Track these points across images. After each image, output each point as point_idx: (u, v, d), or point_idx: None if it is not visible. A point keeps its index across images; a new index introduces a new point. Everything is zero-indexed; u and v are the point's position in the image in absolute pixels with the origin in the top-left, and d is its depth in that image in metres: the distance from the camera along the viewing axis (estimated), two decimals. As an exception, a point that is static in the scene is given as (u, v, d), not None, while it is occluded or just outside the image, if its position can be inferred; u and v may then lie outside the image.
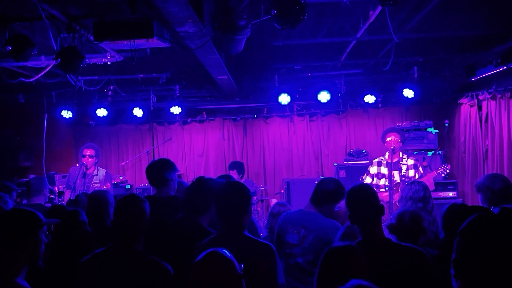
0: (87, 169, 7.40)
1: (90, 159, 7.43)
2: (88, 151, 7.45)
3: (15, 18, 4.69)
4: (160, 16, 4.42)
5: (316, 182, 4.24)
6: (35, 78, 6.17)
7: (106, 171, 7.71)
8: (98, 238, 3.42)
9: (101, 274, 2.85)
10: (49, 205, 5.86)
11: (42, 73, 5.75)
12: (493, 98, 8.12)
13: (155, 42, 4.62)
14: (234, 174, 8.70)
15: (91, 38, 4.53)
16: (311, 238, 3.87)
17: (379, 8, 4.96)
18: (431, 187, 6.43)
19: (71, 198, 7.02)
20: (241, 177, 8.95)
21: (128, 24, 4.28)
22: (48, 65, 5.59)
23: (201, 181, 3.83)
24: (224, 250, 2.33)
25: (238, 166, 9.03)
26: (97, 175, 7.53)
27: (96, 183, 7.44)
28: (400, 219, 3.53)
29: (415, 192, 4.48)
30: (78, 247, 3.22)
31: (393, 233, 3.55)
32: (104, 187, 7.28)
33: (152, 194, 4.64)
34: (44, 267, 3.14)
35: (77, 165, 7.65)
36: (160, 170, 4.37)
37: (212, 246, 2.53)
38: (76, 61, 4.62)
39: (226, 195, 3.23)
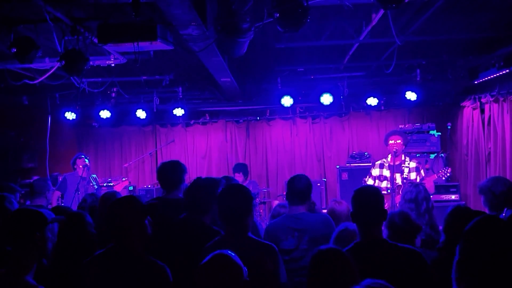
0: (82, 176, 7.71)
1: (88, 164, 7.85)
2: (86, 160, 7.92)
3: (20, 20, 4.74)
4: (164, 19, 4.45)
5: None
6: (39, 80, 6.21)
7: (95, 176, 8.20)
8: (108, 238, 3.44)
9: (102, 275, 2.87)
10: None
11: (46, 75, 5.80)
12: (496, 101, 8.12)
13: (158, 45, 4.65)
14: (240, 177, 8.71)
15: (95, 40, 4.56)
16: (307, 238, 3.92)
17: (382, 11, 4.98)
18: (431, 190, 6.42)
19: (61, 203, 7.21)
20: (246, 179, 8.96)
21: (132, 27, 4.30)
22: (52, 67, 5.63)
23: (199, 181, 3.87)
24: (232, 254, 2.34)
25: (243, 168, 9.06)
26: (92, 179, 7.91)
27: (93, 185, 7.82)
28: (391, 221, 3.57)
29: (407, 193, 4.53)
30: (83, 247, 3.24)
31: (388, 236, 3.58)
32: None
33: (161, 195, 4.65)
34: (50, 267, 3.17)
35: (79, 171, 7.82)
36: (173, 172, 4.38)
37: (217, 248, 2.54)
38: (80, 63, 4.66)
39: (228, 197, 3.25)
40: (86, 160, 7.87)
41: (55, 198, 7.63)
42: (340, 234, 3.45)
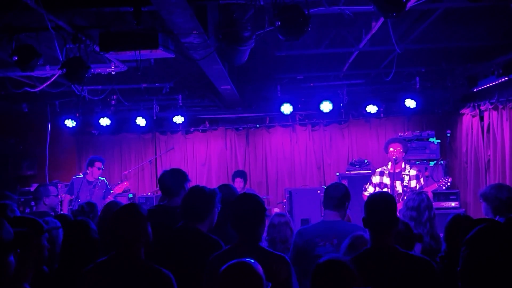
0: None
1: (100, 171, 7.90)
2: (101, 164, 7.94)
3: (21, 28, 4.75)
4: (165, 27, 4.47)
5: (321, 190, 4.31)
6: (40, 88, 6.21)
7: (105, 179, 8.07)
8: (107, 247, 3.44)
9: (104, 283, 2.87)
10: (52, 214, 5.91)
11: (47, 83, 5.81)
12: (495, 108, 8.14)
13: (159, 53, 4.67)
14: (240, 182, 8.70)
15: (97, 48, 4.58)
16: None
17: (382, 19, 5.01)
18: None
19: (72, 207, 7.21)
20: (245, 185, 8.95)
21: (134, 35, 4.33)
22: (53, 75, 5.64)
23: (197, 189, 3.85)
24: (253, 262, 2.34)
25: (243, 174, 9.06)
26: (99, 183, 7.86)
27: (101, 190, 7.81)
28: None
29: (409, 200, 4.54)
30: (87, 255, 3.25)
31: None
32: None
33: (160, 203, 4.66)
34: (52, 275, 3.17)
35: (81, 174, 7.85)
36: (174, 180, 4.39)
37: (227, 257, 2.54)
38: (81, 71, 4.67)
39: (243, 206, 3.26)
40: (103, 167, 7.96)
41: (65, 202, 7.67)
42: (355, 242, 3.43)
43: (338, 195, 4.14)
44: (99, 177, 7.94)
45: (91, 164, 7.89)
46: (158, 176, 4.61)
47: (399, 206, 6.01)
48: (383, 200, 3.10)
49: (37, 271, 2.89)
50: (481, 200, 4.47)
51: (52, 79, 5.73)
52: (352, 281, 2.34)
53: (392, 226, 3.01)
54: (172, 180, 4.40)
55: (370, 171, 8.71)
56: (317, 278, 2.39)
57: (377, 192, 3.09)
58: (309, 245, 4.03)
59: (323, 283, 2.35)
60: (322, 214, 4.47)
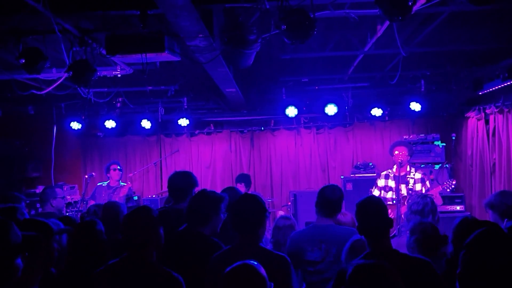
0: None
1: (117, 172, 8.21)
2: (117, 166, 8.29)
3: (28, 31, 4.78)
4: (171, 31, 4.49)
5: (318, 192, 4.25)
6: (47, 90, 6.24)
7: (129, 187, 8.28)
8: (112, 248, 3.46)
9: (115, 285, 2.88)
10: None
11: (54, 85, 5.83)
12: (501, 112, 8.12)
13: (165, 56, 4.69)
14: (242, 187, 8.70)
15: (103, 51, 4.59)
16: (334, 251, 3.88)
17: (387, 22, 5.01)
18: (438, 201, 6.41)
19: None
20: (248, 190, 8.94)
21: (140, 38, 4.34)
22: (59, 78, 5.66)
23: (203, 193, 3.87)
24: (257, 264, 2.35)
25: (245, 179, 9.05)
26: (119, 187, 8.10)
27: (122, 195, 7.99)
28: (424, 231, 3.56)
29: (413, 204, 4.53)
30: (95, 256, 3.26)
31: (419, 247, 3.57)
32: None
33: (166, 205, 4.68)
34: (60, 276, 3.18)
35: (105, 182, 8.30)
36: (185, 184, 4.41)
37: (228, 257, 2.55)
38: (88, 74, 4.69)
39: (243, 207, 3.27)
40: (118, 167, 8.25)
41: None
42: (355, 244, 3.43)
43: (335, 199, 4.11)
44: (120, 182, 8.19)
45: (107, 170, 8.24)
46: (164, 177, 4.64)
47: (404, 209, 6.02)
48: (372, 204, 3.09)
49: (45, 273, 2.90)
50: (487, 209, 4.45)
51: (58, 82, 5.76)
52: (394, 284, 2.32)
53: (386, 229, 3.00)
54: (183, 183, 4.42)
55: (374, 174, 8.71)
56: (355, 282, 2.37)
57: (364, 197, 3.04)
58: (299, 251, 4.03)
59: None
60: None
